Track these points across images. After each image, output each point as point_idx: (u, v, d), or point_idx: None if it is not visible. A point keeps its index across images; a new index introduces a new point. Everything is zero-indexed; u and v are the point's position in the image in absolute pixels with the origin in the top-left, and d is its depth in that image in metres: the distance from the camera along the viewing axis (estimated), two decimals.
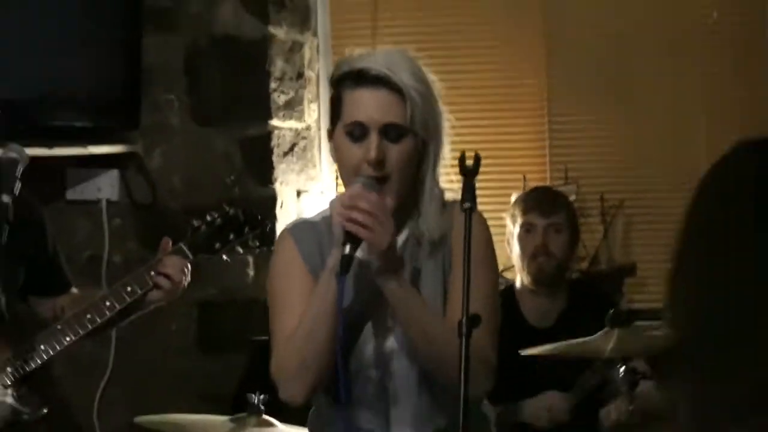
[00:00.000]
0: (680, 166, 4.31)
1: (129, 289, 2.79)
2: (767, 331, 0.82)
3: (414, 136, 2.21)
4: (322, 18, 4.28)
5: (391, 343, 2.31)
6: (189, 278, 2.88)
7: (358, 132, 2.21)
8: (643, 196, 4.36)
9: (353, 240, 2.01)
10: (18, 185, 2.54)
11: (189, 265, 2.87)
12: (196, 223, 2.90)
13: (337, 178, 3.15)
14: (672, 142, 4.41)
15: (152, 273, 2.77)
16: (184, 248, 2.84)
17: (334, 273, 2.08)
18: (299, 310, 2.22)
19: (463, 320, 1.91)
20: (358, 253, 2.13)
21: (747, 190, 0.92)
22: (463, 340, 1.92)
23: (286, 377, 2.25)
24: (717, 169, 0.94)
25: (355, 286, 2.22)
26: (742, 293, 0.88)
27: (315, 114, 4.26)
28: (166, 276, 2.75)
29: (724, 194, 0.94)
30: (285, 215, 4.01)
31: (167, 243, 2.80)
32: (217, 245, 2.85)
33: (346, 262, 2.04)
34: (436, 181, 2.29)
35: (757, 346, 0.83)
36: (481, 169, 2.08)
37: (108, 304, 2.79)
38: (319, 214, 2.38)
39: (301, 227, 2.38)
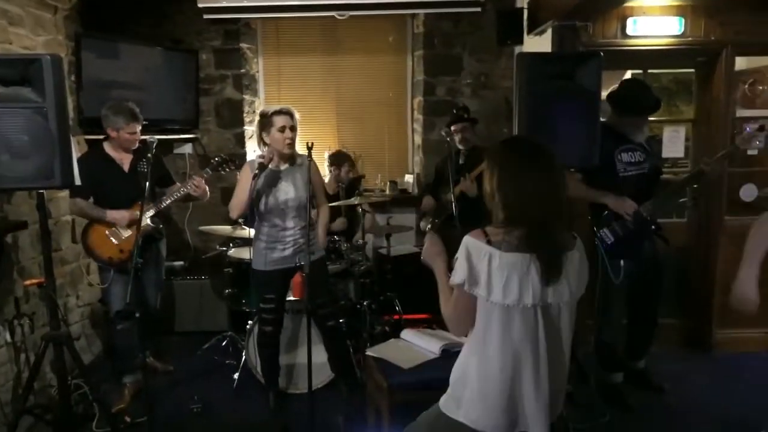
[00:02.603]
0: (377, 159, 4.97)
1: (182, 188, 3.26)
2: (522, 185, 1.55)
3: (296, 130, 2.97)
4: (261, 91, 4.87)
5: (285, 194, 2.99)
6: (205, 186, 3.29)
7: (283, 129, 2.92)
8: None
9: (260, 166, 2.87)
10: (154, 150, 2.77)
11: (204, 179, 3.26)
12: (212, 161, 3.32)
13: (260, 148, 3.08)
14: (379, 148, 4.95)
15: (190, 183, 3.25)
16: (209, 170, 3.29)
17: (246, 178, 2.90)
18: (240, 189, 2.96)
19: (308, 195, 2.87)
20: (270, 166, 2.95)
21: (512, 147, 1.68)
22: (308, 202, 2.89)
23: (232, 209, 3.01)
24: (503, 142, 1.70)
25: (266, 178, 2.95)
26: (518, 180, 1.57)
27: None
28: (194, 184, 3.22)
29: (503, 147, 1.67)
30: (247, 158, 4.30)
31: (197, 176, 3.27)
32: (219, 168, 3.28)
33: (259, 173, 2.86)
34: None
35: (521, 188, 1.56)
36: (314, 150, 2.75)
37: (182, 190, 3.25)
38: (256, 157, 2.98)
39: (252, 160, 2.99)
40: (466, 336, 1.73)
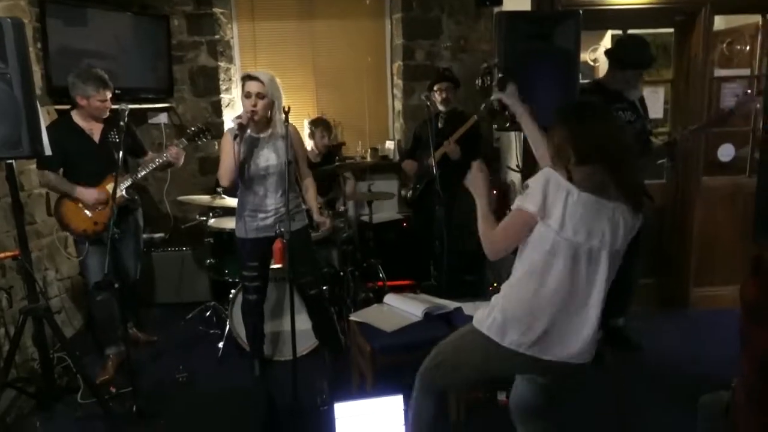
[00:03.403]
0: (357, 126, 4.91)
1: (158, 158, 3.24)
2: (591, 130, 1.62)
3: (267, 97, 2.82)
4: (237, 57, 4.77)
5: (265, 161, 2.90)
6: (183, 154, 3.27)
7: (248, 95, 2.82)
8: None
9: (240, 127, 2.76)
10: (126, 119, 2.74)
11: (181, 149, 3.26)
12: (188, 130, 3.36)
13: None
14: (359, 115, 4.89)
15: (167, 150, 3.26)
16: (184, 139, 3.30)
17: (228, 142, 2.77)
18: (225, 157, 2.84)
19: (287, 161, 2.77)
20: (251, 132, 2.86)
21: (580, 104, 1.85)
22: (287, 168, 2.77)
23: (222, 177, 2.89)
24: (578, 100, 2.23)
25: (247, 145, 2.85)
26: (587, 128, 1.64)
27: (235, 92, 4.67)
28: (171, 152, 3.22)
29: (572, 105, 1.80)
30: (225, 127, 4.23)
31: (173, 146, 3.26)
32: (196, 138, 3.32)
33: (239, 135, 2.75)
34: (281, 115, 2.86)
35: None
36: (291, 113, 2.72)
37: (157, 161, 3.23)
38: (233, 120, 2.85)
39: (231, 128, 2.85)
40: (497, 257, 1.78)
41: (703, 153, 3.92)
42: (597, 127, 1.66)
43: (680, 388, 2.94)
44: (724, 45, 3.86)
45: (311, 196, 3.16)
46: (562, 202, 1.63)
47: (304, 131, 4.34)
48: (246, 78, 2.87)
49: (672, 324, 3.80)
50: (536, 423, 1.98)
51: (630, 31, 3.96)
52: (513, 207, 1.73)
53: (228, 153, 2.84)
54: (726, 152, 3.90)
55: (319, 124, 4.18)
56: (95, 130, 3.23)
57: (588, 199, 1.61)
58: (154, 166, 3.24)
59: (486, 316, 1.82)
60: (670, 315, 3.94)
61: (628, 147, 1.69)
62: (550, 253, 1.68)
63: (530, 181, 1.69)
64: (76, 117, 3.21)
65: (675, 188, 4.06)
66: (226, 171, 2.87)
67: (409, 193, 4.23)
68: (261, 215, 2.99)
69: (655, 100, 3.93)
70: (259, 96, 2.82)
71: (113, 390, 3.03)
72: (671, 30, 4.03)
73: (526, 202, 1.68)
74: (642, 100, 3.24)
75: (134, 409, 2.72)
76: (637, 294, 3.50)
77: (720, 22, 3.90)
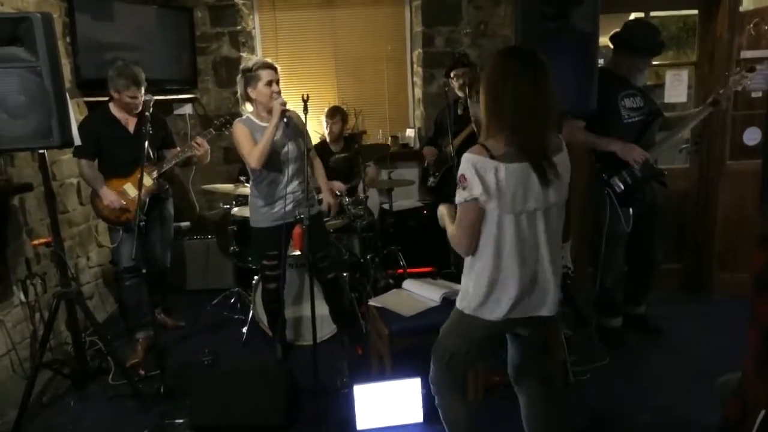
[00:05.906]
0: (377, 114, 4.92)
1: (186, 149, 3.28)
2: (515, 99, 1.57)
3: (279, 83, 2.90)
4: (258, 48, 4.81)
5: (291, 150, 2.96)
6: (208, 146, 3.24)
7: (270, 83, 2.88)
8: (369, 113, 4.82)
9: (283, 114, 2.82)
10: (151, 109, 2.83)
11: (206, 141, 3.25)
12: (215, 121, 3.42)
13: (243, 105, 3.04)
14: (380, 103, 4.91)
15: (192, 143, 3.27)
16: (212, 130, 3.36)
17: (274, 124, 2.80)
18: (248, 143, 2.88)
19: (306, 150, 2.93)
20: (261, 123, 2.92)
21: (503, 53, 1.68)
22: (307, 156, 2.91)
23: (252, 159, 2.86)
24: (498, 50, 1.73)
25: (260, 133, 2.89)
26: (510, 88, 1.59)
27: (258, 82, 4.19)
28: (197, 143, 3.22)
29: (496, 54, 1.69)
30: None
31: (198, 139, 3.27)
32: (222, 129, 3.37)
33: (283, 119, 2.83)
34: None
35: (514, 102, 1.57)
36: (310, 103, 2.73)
37: (182, 155, 3.27)
38: (246, 115, 3.04)
39: (242, 119, 2.99)
40: (473, 254, 1.78)
41: (729, 137, 3.83)
42: (520, 87, 1.63)
43: (701, 372, 2.87)
44: (751, 25, 3.75)
45: (321, 175, 3.21)
46: (494, 181, 1.64)
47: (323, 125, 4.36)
48: (264, 67, 2.90)
49: (694, 309, 3.74)
50: (525, 382, 2.02)
51: (652, 14, 3.88)
52: (457, 202, 1.72)
53: (249, 139, 2.88)
54: (752, 136, 3.81)
55: (330, 112, 4.20)
56: (130, 122, 3.30)
57: (516, 168, 1.63)
58: (176, 160, 3.31)
59: (461, 298, 1.87)
60: (693, 299, 3.88)
61: (542, 109, 1.65)
62: (498, 226, 1.70)
63: (461, 172, 1.69)
64: (113, 108, 3.28)
65: (699, 173, 3.99)
66: (262, 152, 2.86)
67: (430, 180, 4.24)
68: (280, 203, 3.00)
69: (678, 84, 3.84)
70: (278, 83, 2.90)
71: (142, 372, 3.13)
72: (695, 12, 3.92)
73: (470, 191, 1.67)
74: (646, 87, 3.17)
75: (162, 390, 2.81)
76: (660, 278, 3.44)
77: (747, 2, 3.79)
